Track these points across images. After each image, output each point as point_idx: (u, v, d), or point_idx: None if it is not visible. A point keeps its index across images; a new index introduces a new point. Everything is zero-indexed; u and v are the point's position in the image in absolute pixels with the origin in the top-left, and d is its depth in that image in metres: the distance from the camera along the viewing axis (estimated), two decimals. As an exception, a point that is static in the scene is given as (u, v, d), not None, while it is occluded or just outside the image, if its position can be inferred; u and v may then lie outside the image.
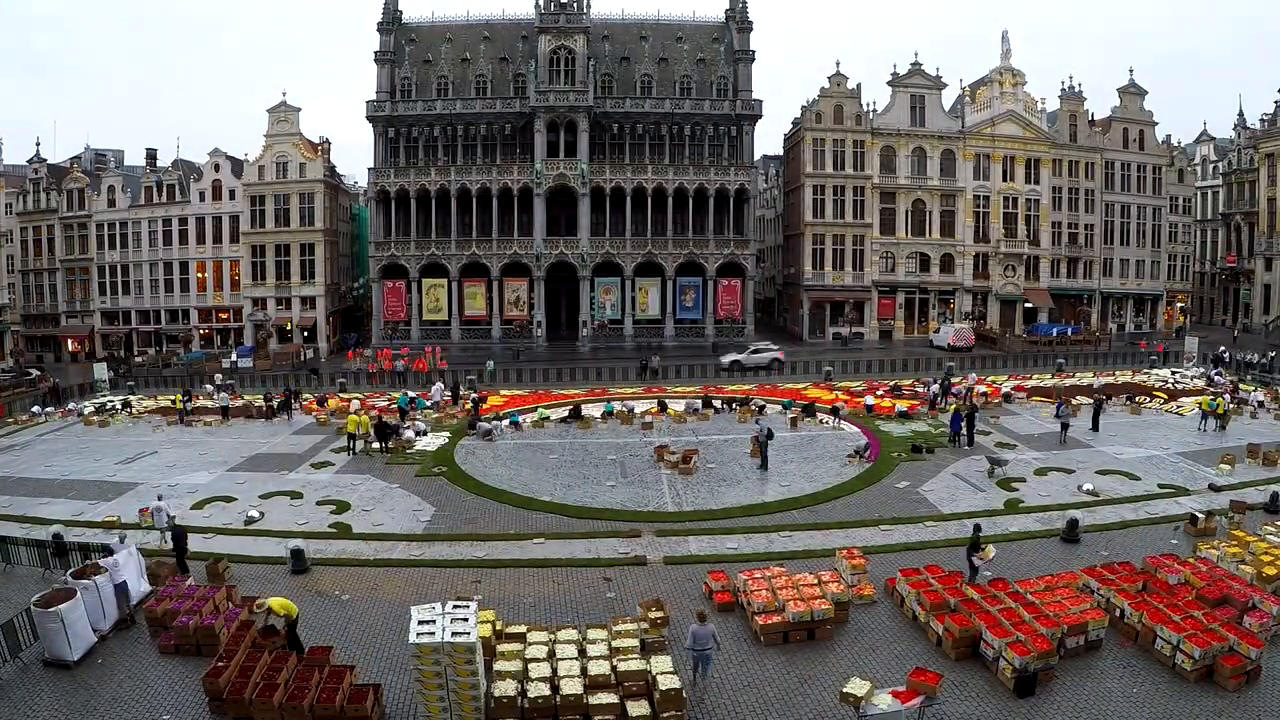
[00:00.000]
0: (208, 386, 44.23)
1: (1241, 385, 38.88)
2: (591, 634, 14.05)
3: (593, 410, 35.24)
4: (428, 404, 36.68)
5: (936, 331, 58.58)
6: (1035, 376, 43.71)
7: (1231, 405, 32.72)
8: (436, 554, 19.38)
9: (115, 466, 28.30)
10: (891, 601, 16.09)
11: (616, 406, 35.33)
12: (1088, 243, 64.14)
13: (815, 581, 15.76)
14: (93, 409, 38.57)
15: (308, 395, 40.28)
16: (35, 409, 39.03)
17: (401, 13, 61.31)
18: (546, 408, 35.91)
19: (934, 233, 61.62)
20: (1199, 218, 70.27)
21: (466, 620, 12.10)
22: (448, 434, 31.76)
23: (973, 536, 17.29)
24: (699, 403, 35.79)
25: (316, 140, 62.81)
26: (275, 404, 36.90)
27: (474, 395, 37.05)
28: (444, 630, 11.83)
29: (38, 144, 64.35)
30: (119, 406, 39.28)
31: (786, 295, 70.24)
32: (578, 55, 57.70)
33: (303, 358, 55.81)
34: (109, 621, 15.34)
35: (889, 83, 60.89)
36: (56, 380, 45.48)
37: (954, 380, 38.95)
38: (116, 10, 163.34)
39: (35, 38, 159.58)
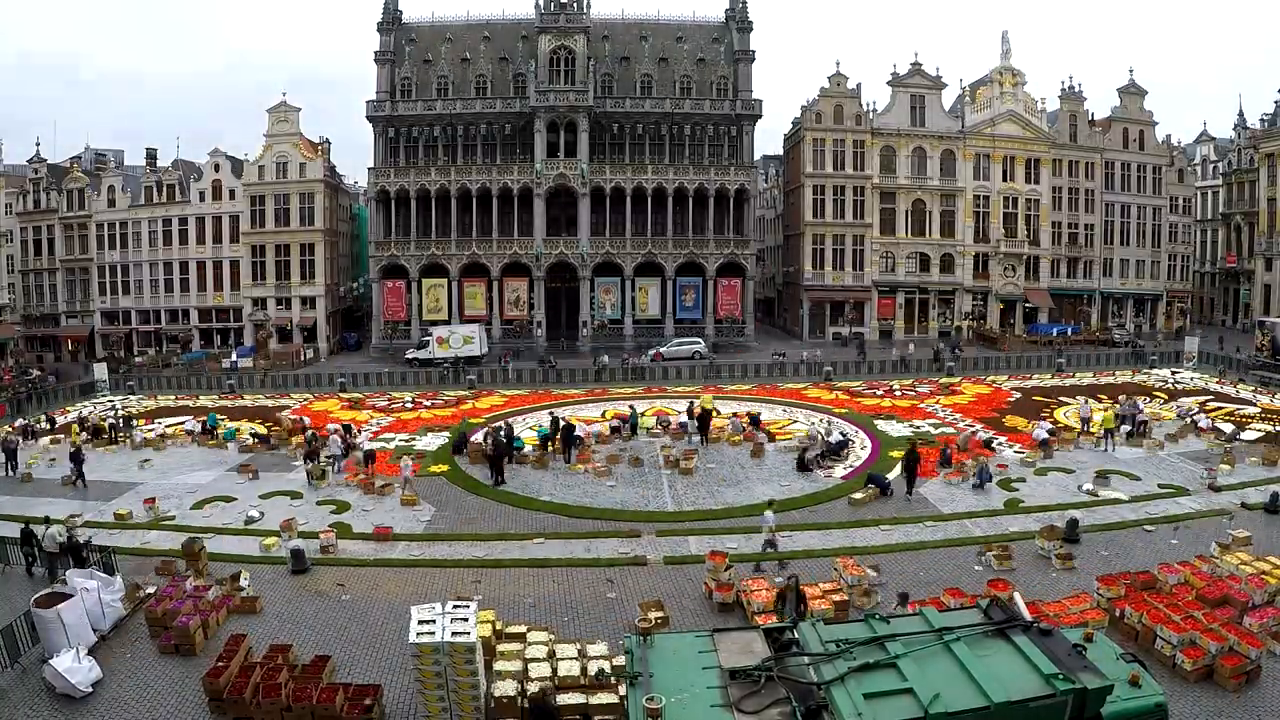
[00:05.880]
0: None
1: (1240, 386, 38.91)
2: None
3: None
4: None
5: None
6: (1035, 376, 43.68)
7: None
8: (436, 554, 19.39)
9: (115, 466, 28.30)
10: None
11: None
12: (1088, 243, 64.10)
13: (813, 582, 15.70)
14: (87, 411, 38.27)
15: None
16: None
17: (401, 13, 61.30)
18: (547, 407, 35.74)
19: (934, 233, 61.58)
20: (1199, 218, 70.19)
21: (466, 620, 12.10)
22: (447, 434, 31.76)
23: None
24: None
25: (316, 140, 62.79)
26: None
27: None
28: (444, 630, 11.84)
29: (38, 144, 64.22)
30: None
31: (786, 295, 70.21)
32: (578, 55, 57.71)
33: (304, 357, 55.74)
34: (109, 621, 15.33)
35: (889, 83, 60.85)
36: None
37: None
38: (116, 10, 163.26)
39: (35, 37, 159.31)
